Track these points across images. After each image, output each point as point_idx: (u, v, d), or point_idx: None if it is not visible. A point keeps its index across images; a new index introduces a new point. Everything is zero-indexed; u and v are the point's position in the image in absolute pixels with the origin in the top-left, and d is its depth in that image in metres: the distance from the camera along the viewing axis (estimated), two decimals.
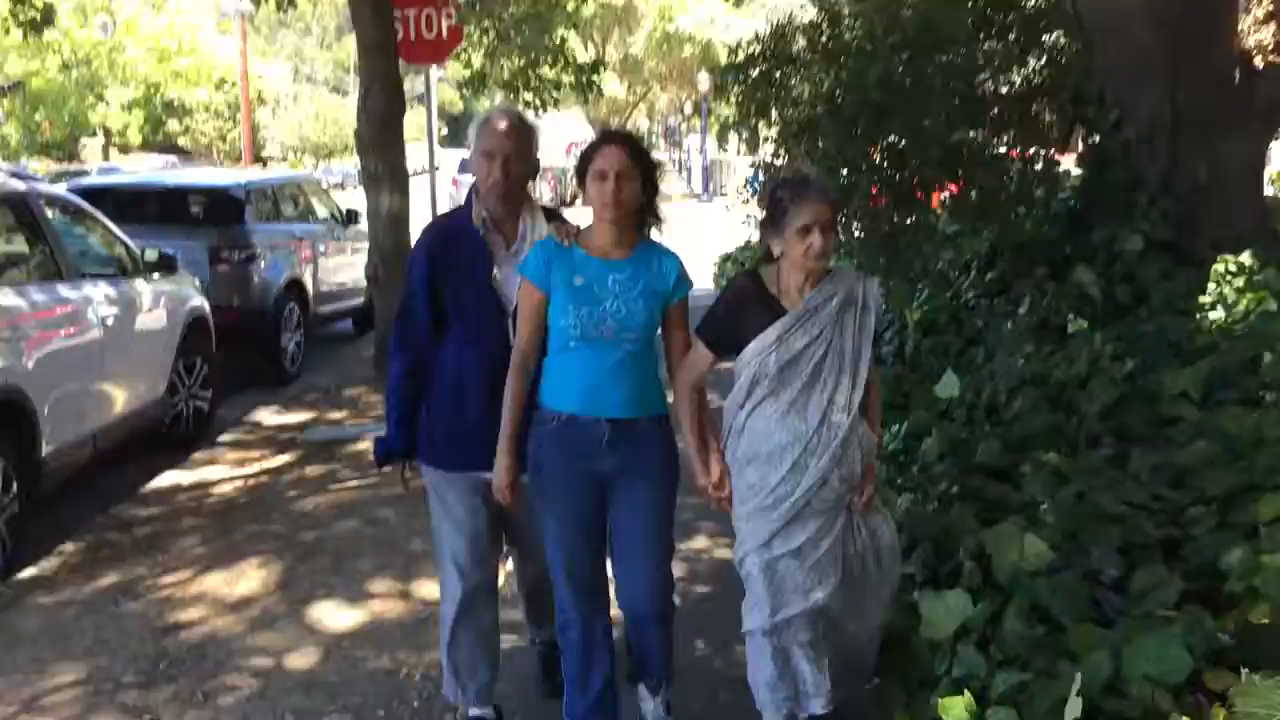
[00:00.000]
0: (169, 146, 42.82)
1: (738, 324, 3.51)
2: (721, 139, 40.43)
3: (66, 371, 6.29)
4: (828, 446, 3.42)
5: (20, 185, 6.81)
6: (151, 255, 7.75)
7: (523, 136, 3.63)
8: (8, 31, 14.06)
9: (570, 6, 13.06)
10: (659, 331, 3.56)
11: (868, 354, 3.47)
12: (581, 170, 3.44)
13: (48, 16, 13.03)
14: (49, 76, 35.98)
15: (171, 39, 38.82)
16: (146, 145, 42.03)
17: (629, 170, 3.37)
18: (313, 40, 65.40)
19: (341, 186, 37.83)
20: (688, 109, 54.05)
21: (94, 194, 9.20)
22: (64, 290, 6.50)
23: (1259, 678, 2.91)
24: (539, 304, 3.45)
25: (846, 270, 3.56)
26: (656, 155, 3.60)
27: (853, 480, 3.49)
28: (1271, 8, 7.62)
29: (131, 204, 10.07)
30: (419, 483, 3.88)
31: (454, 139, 42.57)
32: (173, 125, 42.65)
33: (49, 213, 6.81)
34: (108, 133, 39.90)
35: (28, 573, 5.57)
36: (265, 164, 39.58)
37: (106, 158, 37.77)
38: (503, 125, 3.60)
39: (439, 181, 11.76)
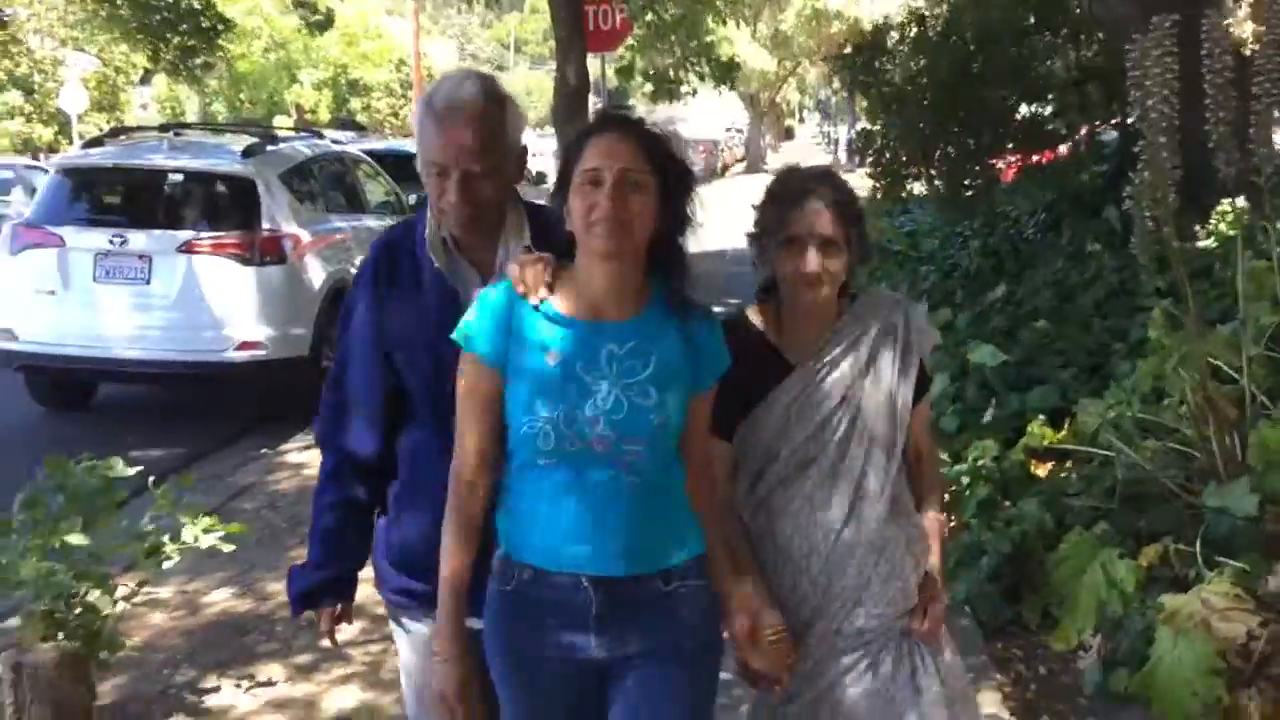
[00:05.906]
0: (348, 123, 46.67)
1: (737, 395, 2.38)
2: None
3: None
4: (853, 552, 2.42)
5: (337, 147, 9.78)
6: (412, 199, 10.63)
7: (494, 125, 2.33)
8: (301, 32, 17.00)
9: (720, 3, 15.36)
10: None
11: (907, 407, 2.46)
12: (564, 175, 2.16)
13: (330, 19, 15.93)
14: (253, 59, 40.14)
15: (360, 25, 42.75)
16: (330, 122, 46.03)
17: (639, 175, 2.10)
18: (475, 19, 68.97)
19: None
20: (836, 83, 55.69)
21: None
22: (366, 220, 9.39)
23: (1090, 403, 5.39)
24: (491, 394, 2.18)
25: (879, 295, 2.64)
26: (688, 140, 2.38)
27: (904, 598, 2.47)
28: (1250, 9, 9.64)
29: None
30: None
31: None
32: (354, 103, 46.55)
33: (354, 166, 9.75)
34: (300, 110, 43.91)
35: None
36: None
37: (298, 133, 41.53)
38: (460, 116, 2.30)
39: None
